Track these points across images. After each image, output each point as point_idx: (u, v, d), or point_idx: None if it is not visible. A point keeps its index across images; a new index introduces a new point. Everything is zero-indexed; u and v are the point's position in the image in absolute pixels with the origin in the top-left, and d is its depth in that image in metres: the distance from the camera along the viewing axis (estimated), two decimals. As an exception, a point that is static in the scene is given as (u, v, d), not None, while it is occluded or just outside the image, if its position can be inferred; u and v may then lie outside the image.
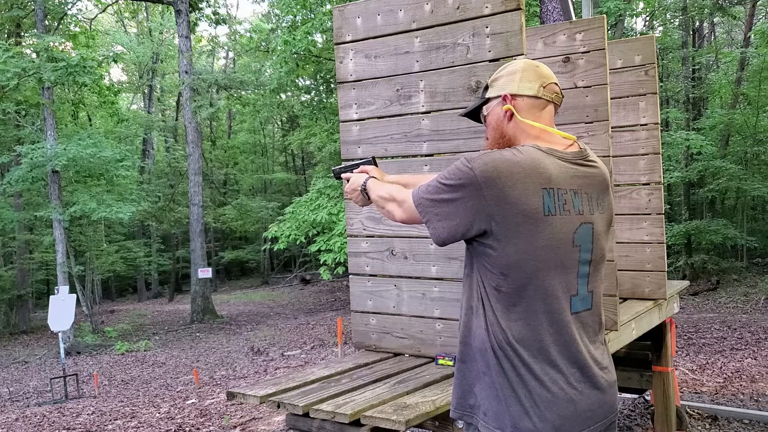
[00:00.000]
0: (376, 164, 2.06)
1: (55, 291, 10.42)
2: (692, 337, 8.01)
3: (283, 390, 2.19)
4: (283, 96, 21.66)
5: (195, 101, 17.71)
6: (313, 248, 12.43)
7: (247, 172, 29.42)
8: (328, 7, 13.85)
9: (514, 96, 1.62)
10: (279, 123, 30.12)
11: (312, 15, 14.60)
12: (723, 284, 12.77)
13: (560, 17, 6.60)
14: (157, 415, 6.55)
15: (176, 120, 27.36)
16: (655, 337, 3.99)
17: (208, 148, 27.78)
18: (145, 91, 28.61)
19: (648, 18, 17.59)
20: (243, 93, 21.43)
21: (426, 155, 2.54)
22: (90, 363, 12.22)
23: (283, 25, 15.70)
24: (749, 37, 15.11)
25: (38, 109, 16.67)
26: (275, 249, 13.78)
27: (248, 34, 25.54)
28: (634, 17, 16.96)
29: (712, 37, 19.78)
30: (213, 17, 20.88)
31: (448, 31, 2.45)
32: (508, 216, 1.47)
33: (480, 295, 1.56)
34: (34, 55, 15.29)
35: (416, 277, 2.59)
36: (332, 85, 16.01)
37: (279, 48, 14.21)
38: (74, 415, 7.15)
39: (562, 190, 1.52)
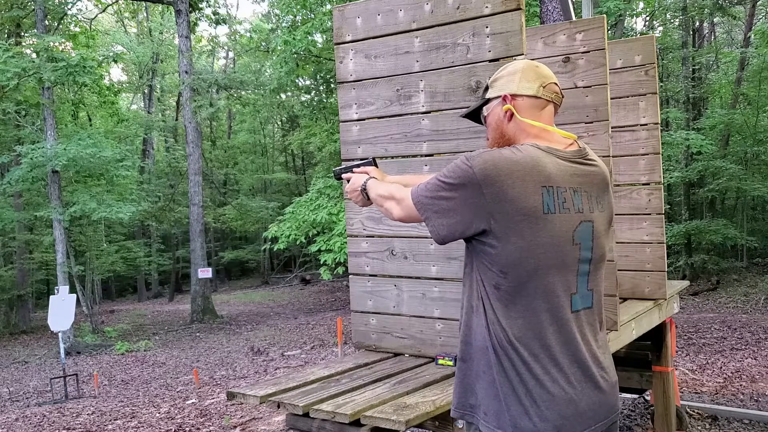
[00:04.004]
0: (376, 165, 2.07)
1: (55, 291, 10.42)
2: (692, 337, 8.01)
3: (283, 390, 2.19)
4: (283, 96, 21.67)
5: (195, 101, 17.71)
6: (313, 248, 12.44)
7: (247, 172, 29.41)
8: (328, 7, 13.86)
9: (514, 96, 1.63)
10: (279, 123, 30.12)
11: (312, 15, 14.61)
12: (723, 284, 12.76)
13: (560, 17, 6.60)
14: (157, 415, 6.55)
15: (176, 120, 27.34)
16: (655, 337, 3.99)
17: (208, 148, 27.77)
18: (145, 91, 28.60)
19: (648, 18, 17.59)
20: (243, 93, 21.43)
21: (426, 155, 2.54)
22: (90, 363, 12.22)
23: (283, 25, 15.71)
24: (749, 37, 15.10)
25: (38, 109, 16.67)
26: (275, 249, 13.78)
27: (248, 34, 25.54)
28: (634, 17, 16.96)
29: (712, 37, 19.78)
30: (213, 17, 20.88)
31: (448, 31, 2.45)
32: (508, 214, 1.47)
33: (480, 293, 1.56)
34: (34, 55, 15.28)
35: (416, 277, 2.59)
36: (332, 85, 16.02)
37: (279, 48, 14.21)
38: (74, 415, 7.15)
39: (561, 189, 1.52)
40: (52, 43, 14.96)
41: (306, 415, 2.03)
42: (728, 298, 11.68)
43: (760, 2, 15.90)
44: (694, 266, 13.56)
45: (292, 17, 15.35)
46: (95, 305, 18.72)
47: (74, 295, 10.20)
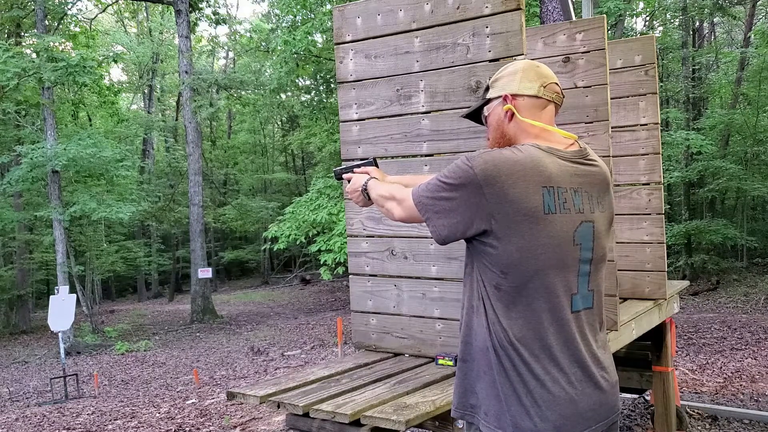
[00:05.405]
0: (377, 165, 2.07)
1: (55, 291, 10.42)
2: (692, 337, 8.01)
3: (283, 390, 2.19)
4: (283, 96, 21.67)
5: (195, 101, 17.71)
6: (313, 248, 12.43)
7: (247, 172, 29.41)
8: (328, 7, 13.86)
9: (514, 96, 1.63)
10: (279, 123, 30.12)
11: (312, 15, 14.61)
12: (723, 284, 12.76)
13: (560, 17, 6.60)
14: (157, 415, 6.55)
15: (176, 120, 27.35)
16: (655, 337, 3.99)
17: (208, 148, 27.78)
18: (145, 91, 28.60)
19: (648, 18, 17.60)
20: (243, 93, 21.42)
21: (426, 155, 2.54)
22: (90, 363, 12.22)
23: (283, 25, 15.71)
24: (749, 37, 15.11)
25: (38, 109, 16.67)
26: (275, 249, 13.78)
27: (248, 34, 25.55)
28: (634, 17, 16.96)
29: (712, 37, 19.78)
30: (213, 17, 20.88)
31: (448, 31, 2.45)
32: (509, 214, 1.47)
33: (481, 294, 1.56)
34: (34, 55, 15.28)
35: (416, 277, 2.59)
36: (332, 85, 16.02)
37: (279, 48, 14.22)
38: (74, 415, 7.15)
39: (562, 189, 1.52)
40: (52, 43, 14.96)
41: (306, 415, 2.03)
42: (728, 298, 11.68)
43: (760, 2, 15.90)
44: (694, 266, 13.55)
45: (292, 17, 15.35)
46: (95, 305, 18.73)
47: (74, 295, 10.20)
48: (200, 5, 19.70)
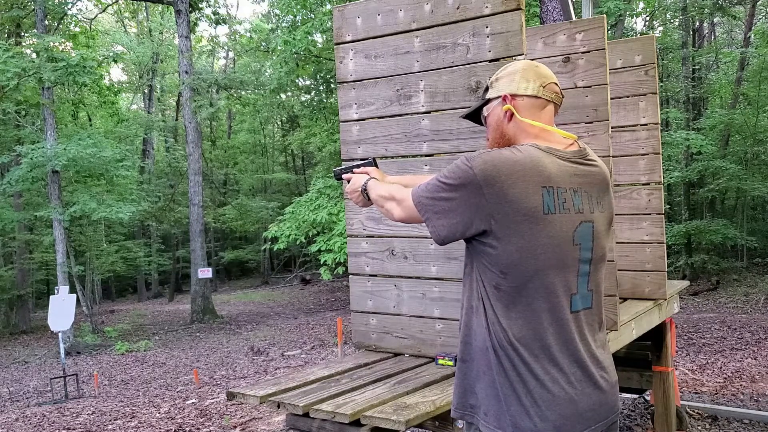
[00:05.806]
0: (376, 165, 2.07)
1: (55, 291, 10.42)
2: (692, 337, 8.01)
3: (283, 390, 2.19)
4: (283, 96, 21.67)
5: (195, 101, 17.71)
6: (313, 248, 12.44)
7: (247, 172, 29.42)
8: (328, 7, 13.86)
9: (513, 96, 1.63)
10: (279, 123, 30.11)
11: (312, 15, 14.61)
12: (723, 284, 12.76)
13: (560, 17, 6.60)
14: (157, 415, 6.56)
15: (176, 120, 27.34)
16: (655, 337, 3.99)
17: (208, 148, 27.78)
18: (145, 91, 28.60)
19: (648, 18, 17.60)
20: (243, 93, 21.42)
21: (426, 155, 2.54)
22: (90, 363, 12.22)
23: (283, 25, 15.71)
24: (749, 37, 15.11)
25: (38, 109, 16.68)
26: (275, 249, 13.78)
27: (248, 34, 25.55)
28: (634, 17, 16.97)
29: (712, 37, 19.78)
30: (213, 17, 20.88)
31: (448, 31, 2.45)
32: (508, 215, 1.47)
33: (480, 294, 1.56)
34: (34, 55, 15.28)
35: (416, 277, 2.59)
36: (332, 85, 16.02)
37: (279, 48, 14.22)
38: (74, 415, 7.15)
39: (561, 189, 1.52)
40: (52, 43, 14.96)
41: (306, 415, 2.03)
42: (728, 298, 11.68)
43: (760, 2, 15.90)
44: (694, 266, 13.55)
45: (292, 17, 15.36)
46: (95, 305, 18.73)
47: (74, 295, 10.20)
48: (200, 5, 19.70)
